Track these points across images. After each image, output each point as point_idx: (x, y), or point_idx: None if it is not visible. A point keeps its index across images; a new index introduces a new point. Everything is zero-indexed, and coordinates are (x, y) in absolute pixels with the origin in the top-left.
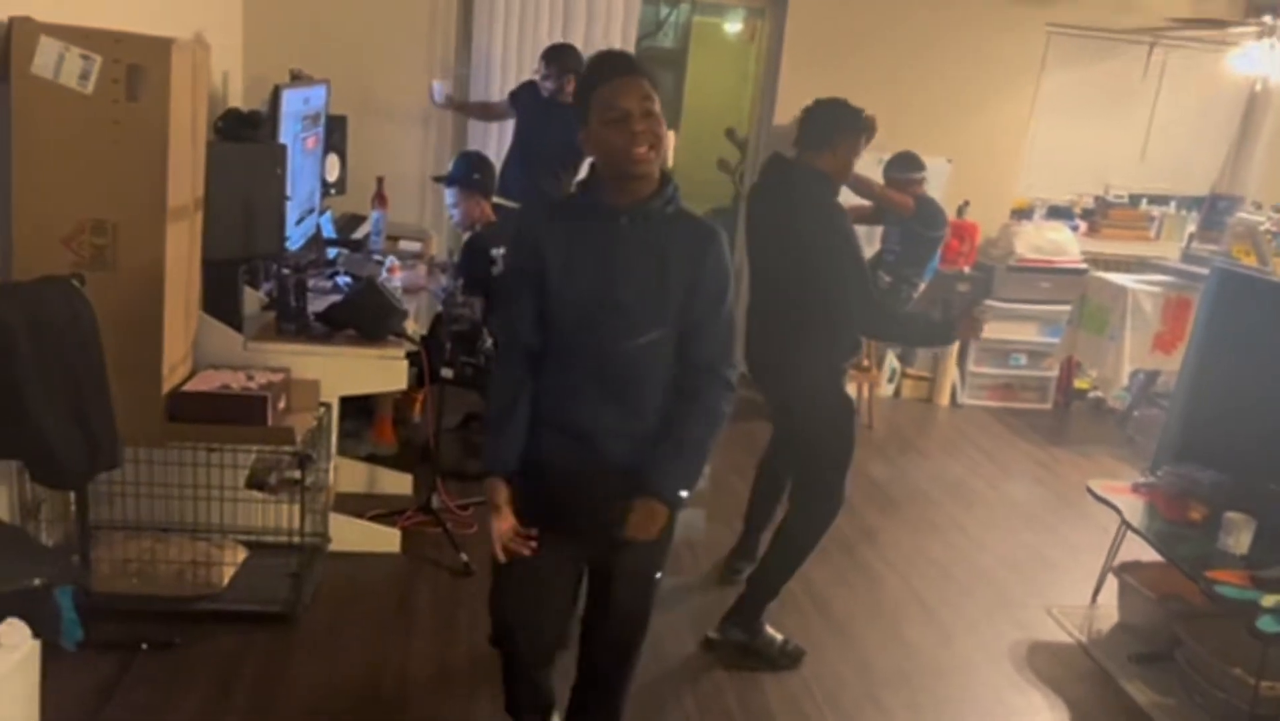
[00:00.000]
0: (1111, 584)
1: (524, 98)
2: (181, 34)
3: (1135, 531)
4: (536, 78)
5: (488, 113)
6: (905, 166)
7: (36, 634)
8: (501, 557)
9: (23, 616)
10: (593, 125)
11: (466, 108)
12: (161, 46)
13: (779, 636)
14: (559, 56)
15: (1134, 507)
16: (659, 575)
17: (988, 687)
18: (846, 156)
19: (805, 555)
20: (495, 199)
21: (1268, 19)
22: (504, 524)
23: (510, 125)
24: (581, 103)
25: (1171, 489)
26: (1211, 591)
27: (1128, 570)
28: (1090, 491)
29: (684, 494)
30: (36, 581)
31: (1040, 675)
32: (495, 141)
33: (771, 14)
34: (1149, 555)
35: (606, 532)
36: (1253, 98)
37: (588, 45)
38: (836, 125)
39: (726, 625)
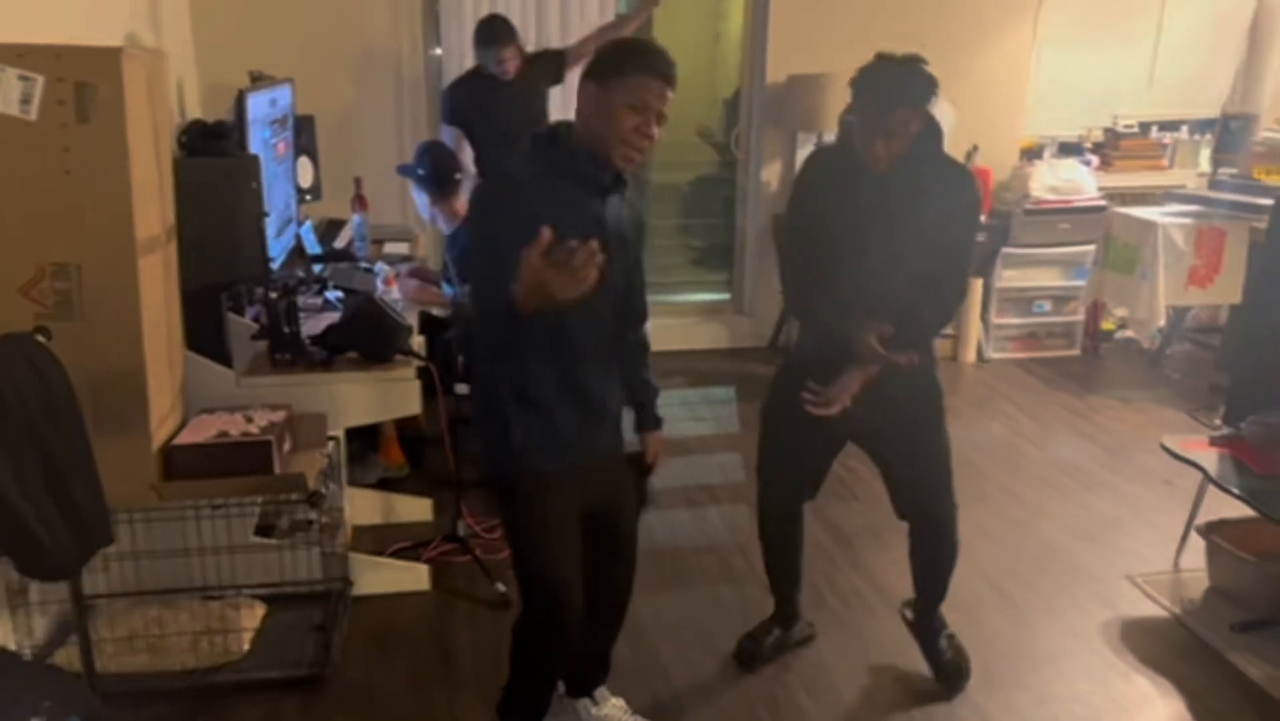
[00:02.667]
0: (1194, 545)
1: (478, 95)
2: (123, 44)
3: (1226, 491)
4: (494, 65)
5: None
6: None
7: None
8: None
9: None
10: (610, 97)
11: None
12: (110, 58)
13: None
14: (507, 30)
15: (1217, 463)
16: None
17: (1088, 677)
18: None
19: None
20: None
21: None
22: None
23: None
24: (608, 69)
25: (1259, 440)
26: None
27: (1215, 530)
28: (1166, 449)
29: None
30: None
31: (1139, 655)
32: None
33: None
34: (1231, 512)
35: (615, 483)
36: (1260, 8)
37: (564, 14)
38: None
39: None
